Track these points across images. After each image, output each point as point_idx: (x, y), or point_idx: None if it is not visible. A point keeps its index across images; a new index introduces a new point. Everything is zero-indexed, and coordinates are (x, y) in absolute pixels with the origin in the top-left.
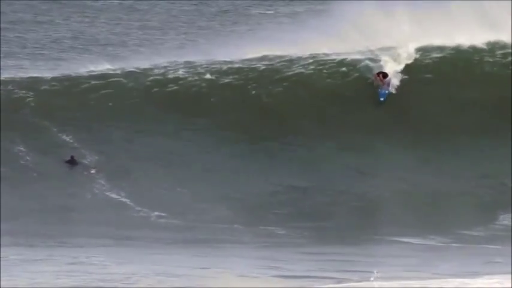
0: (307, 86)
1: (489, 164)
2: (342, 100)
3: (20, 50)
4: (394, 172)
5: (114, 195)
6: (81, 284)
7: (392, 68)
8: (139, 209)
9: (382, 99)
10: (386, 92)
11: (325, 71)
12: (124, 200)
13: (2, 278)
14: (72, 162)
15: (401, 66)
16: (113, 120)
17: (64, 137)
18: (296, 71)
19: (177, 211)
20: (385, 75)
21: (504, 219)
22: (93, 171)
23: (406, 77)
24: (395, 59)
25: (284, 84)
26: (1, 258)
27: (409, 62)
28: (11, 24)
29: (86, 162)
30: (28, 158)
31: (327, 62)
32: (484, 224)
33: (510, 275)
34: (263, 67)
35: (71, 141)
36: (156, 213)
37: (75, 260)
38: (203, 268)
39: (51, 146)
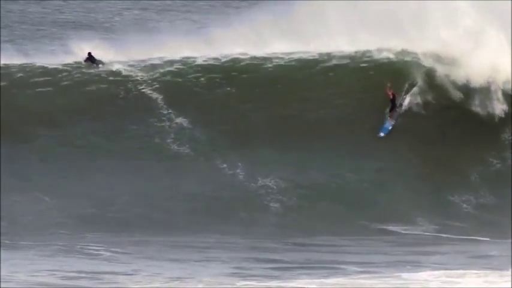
0: None
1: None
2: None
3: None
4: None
5: (148, 90)
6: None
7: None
8: (165, 111)
9: (382, 134)
10: (390, 127)
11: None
12: (155, 96)
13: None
14: (91, 59)
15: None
16: None
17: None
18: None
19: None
20: (393, 97)
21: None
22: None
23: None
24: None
25: None
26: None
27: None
28: None
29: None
30: None
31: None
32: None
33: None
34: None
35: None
36: (179, 120)
37: (72, 249)
38: (197, 261)
39: None
